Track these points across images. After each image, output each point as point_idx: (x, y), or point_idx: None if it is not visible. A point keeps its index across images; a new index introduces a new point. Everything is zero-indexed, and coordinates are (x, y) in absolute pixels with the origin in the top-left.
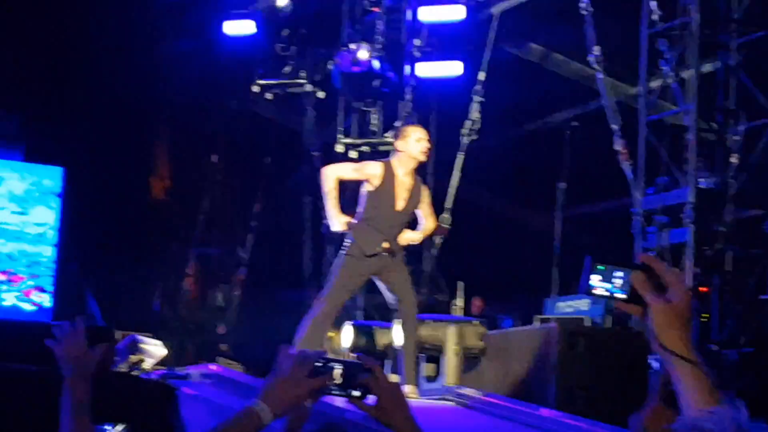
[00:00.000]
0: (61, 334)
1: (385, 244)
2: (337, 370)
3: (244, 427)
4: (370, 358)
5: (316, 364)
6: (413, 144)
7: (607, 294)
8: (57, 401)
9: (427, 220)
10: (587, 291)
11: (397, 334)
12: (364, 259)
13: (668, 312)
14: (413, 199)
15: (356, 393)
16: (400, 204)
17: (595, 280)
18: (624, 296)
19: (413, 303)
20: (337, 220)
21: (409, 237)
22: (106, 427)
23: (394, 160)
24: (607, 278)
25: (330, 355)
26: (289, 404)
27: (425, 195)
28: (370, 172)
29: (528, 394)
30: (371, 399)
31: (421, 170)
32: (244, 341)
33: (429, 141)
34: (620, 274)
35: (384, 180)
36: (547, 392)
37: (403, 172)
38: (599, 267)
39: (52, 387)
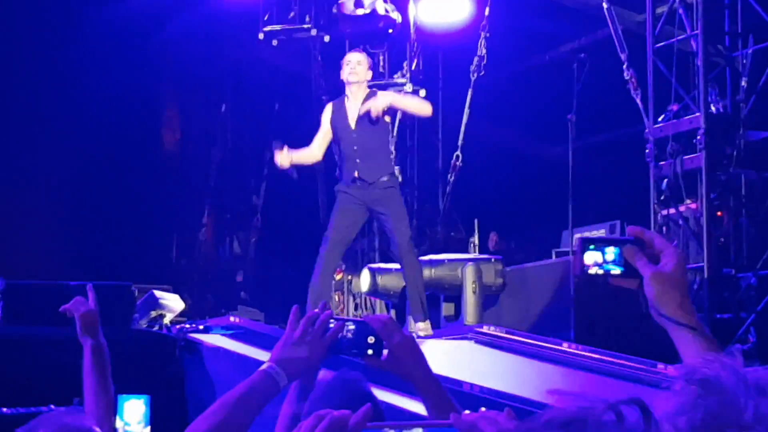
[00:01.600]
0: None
1: (356, 173)
2: (350, 330)
3: (261, 393)
4: (381, 316)
5: (329, 325)
6: (343, 69)
7: (602, 271)
8: (77, 364)
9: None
10: (582, 271)
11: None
12: (348, 192)
13: (664, 281)
14: (366, 112)
15: (370, 351)
16: (352, 122)
17: (588, 259)
18: (619, 271)
19: (405, 240)
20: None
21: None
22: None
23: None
24: (600, 256)
25: (342, 315)
26: (304, 366)
27: (384, 95)
28: (324, 116)
29: (548, 328)
30: (385, 353)
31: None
32: (263, 288)
33: (360, 62)
34: (612, 249)
35: (335, 112)
36: (566, 326)
37: (350, 98)
38: (591, 246)
39: (72, 350)
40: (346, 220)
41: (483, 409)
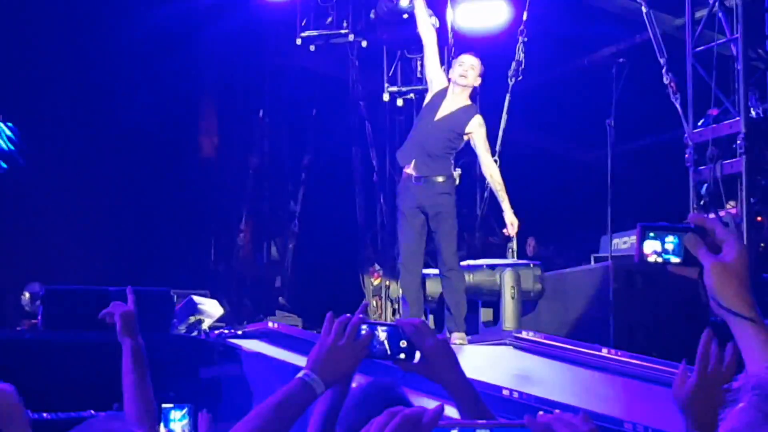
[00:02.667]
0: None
1: (412, 162)
2: (382, 334)
3: (298, 401)
4: (413, 319)
5: (361, 330)
6: (454, 69)
7: (662, 259)
8: (117, 369)
9: (482, 162)
10: (641, 259)
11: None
12: (405, 193)
13: (724, 271)
14: (454, 118)
15: (402, 355)
16: (437, 115)
17: (648, 247)
18: (679, 260)
19: (450, 257)
20: None
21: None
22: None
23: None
24: (660, 244)
25: (374, 318)
26: (340, 372)
27: (476, 126)
28: (441, 77)
29: (587, 334)
30: (417, 357)
31: None
32: (301, 293)
33: (473, 67)
34: (672, 237)
35: (436, 95)
36: (606, 332)
37: (449, 97)
38: (651, 234)
39: (112, 354)
40: (411, 220)
41: (557, 411)
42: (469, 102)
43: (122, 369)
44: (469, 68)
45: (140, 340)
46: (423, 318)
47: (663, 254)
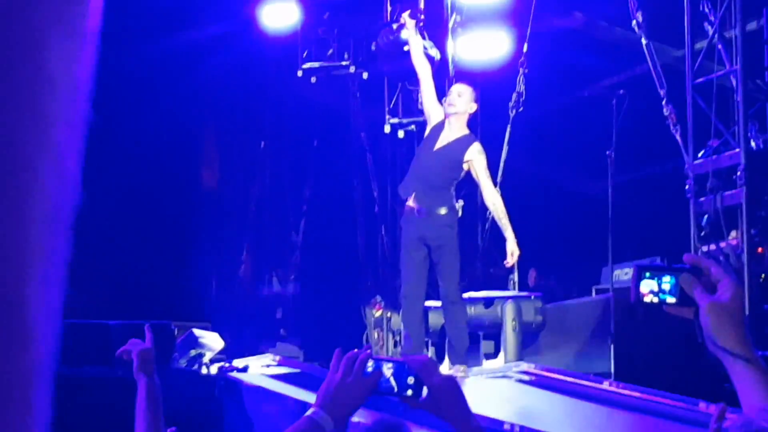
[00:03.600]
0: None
1: (413, 194)
2: (389, 371)
3: None
4: (421, 356)
5: (368, 366)
6: (444, 101)
7: (657, 300)
8: (116, 403)
9: (484, 190)
10: (638, 299)
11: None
12: (407, 226)
13: (720, 311)
14: (452, 148)
15: (409, 392)
16: (435, 146)
17: (644, 287)
18: (674, 299)
19: (452, 291)
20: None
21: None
22: None
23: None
24: (655, 284)
25: (381, 354)
26: (349, 409)
27: (476, 153)
28: (438, 110)
29: (588, 366)
30: (425, 393)
31: None
32: (302, 325)
33: (460, 94)
34: (668, 278)
35: (435, 127)
36: (606, 363)
37: (446, 127)
38: (647, 274)
39: (112, 389)
40: (413, 252)
41: None
42: (466, 131)
43: (136, 406)
44: (455, 96)
45: (156, 379)
46: (424, 351)
47: (659, 294)
